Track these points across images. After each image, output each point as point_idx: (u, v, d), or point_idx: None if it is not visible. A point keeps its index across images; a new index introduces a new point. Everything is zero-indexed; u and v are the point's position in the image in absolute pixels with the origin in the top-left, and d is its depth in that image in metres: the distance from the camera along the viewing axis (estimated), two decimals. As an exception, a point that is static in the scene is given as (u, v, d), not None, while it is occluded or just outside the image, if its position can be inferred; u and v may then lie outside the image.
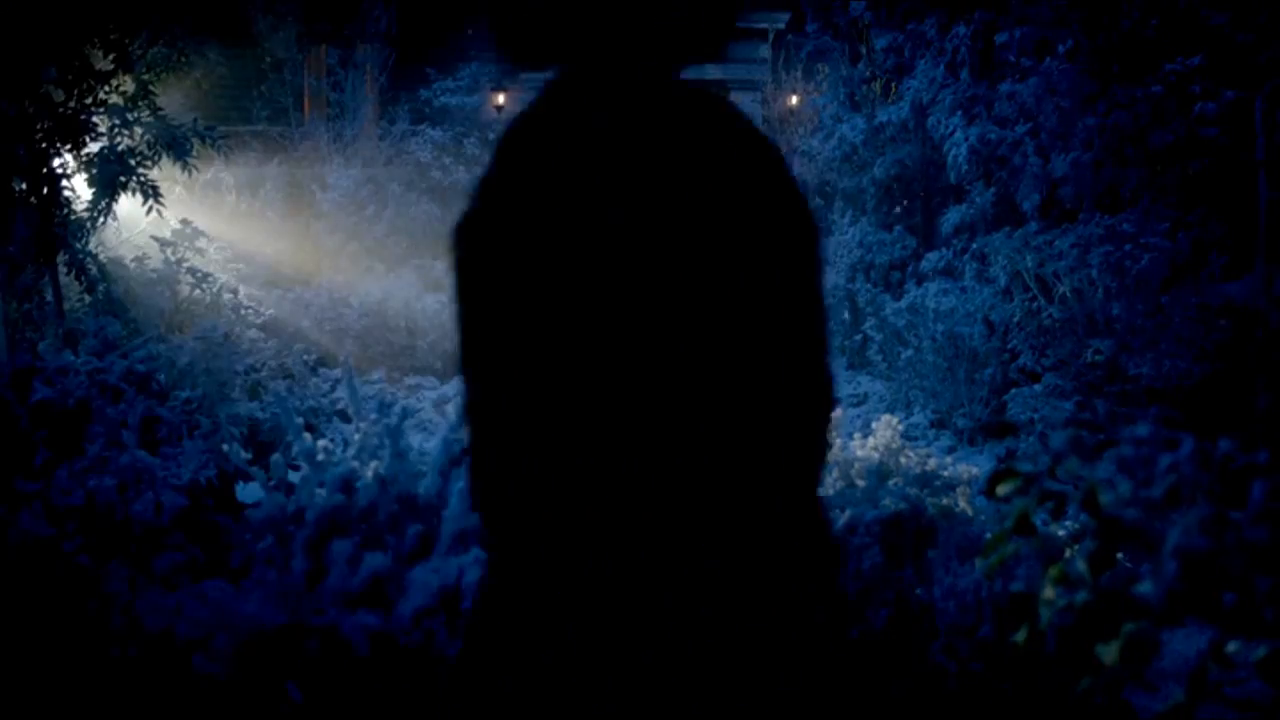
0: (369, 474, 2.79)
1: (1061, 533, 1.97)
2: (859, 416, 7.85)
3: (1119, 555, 1.16)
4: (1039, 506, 1.22)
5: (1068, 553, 1.22)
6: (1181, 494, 1.10)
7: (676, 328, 1.08)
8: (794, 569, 1.19)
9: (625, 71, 1.17)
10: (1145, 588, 0.98)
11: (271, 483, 3.00)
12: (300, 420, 2.91)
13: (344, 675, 2.52)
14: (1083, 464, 1.16)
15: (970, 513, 2.87)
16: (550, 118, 1.16)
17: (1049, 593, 1.22)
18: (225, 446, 3.06)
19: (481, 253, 1.14)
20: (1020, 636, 1.19)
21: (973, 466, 3.05)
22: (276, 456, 2.94)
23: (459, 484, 2.75)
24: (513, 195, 1.13)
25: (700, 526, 1.12)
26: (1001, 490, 1.19)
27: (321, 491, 2.77)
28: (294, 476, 3.08)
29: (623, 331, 1.08)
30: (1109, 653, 1.12)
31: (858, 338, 9.43)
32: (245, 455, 2.93)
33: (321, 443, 2.90)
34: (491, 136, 12.52)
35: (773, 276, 1.11)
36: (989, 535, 2.87)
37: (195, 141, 6.41)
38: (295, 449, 2.87)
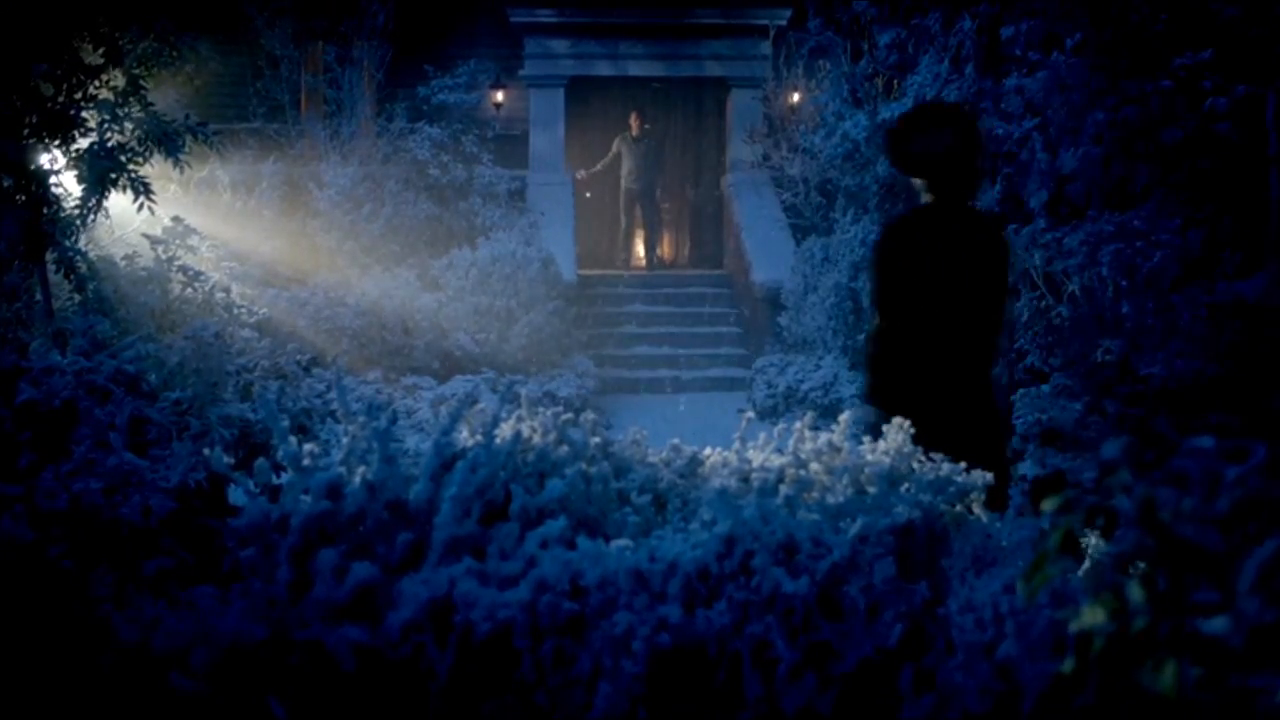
0: (357, 480, 2.67)
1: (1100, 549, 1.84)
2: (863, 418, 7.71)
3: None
4: (1086, 524, 1.10)
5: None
6: (1251, 510, 0.97)
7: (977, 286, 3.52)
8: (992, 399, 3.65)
9: (961, 203, 3.58)
10: (1219, 625, 0.85)
11: (256, 488, 2.88)
12: (286, 422, 2.80)
13: (329, 690, 2.41)
14: (1136, 477, 1.04)
15: (985, 519, 2.75)
16: (938, 214, 3.57)
17: (1094, 619, 1.09)
18: (206, 451, 2.94)
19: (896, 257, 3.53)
20: (1068, 666, 1.06)
21: (988, 471, 2.92)
22: (261, 461, 2.82)
23: (451, 490, 2.63)
24: (922, 237, 3.54)
25: (975, 378, 3.54)
26: (1046, 505, 1.07)
27: (307, 498, 2.65)
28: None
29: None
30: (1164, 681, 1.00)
31: (860, 337, 9.31)
32: (228, 460, 2.81)
33: (307, 446, 2.77)
34: (490, 135, 12.44)
35: (998, 277, 3.59)
36: (1005, 543, 2.75)
37: (188, 137, 6.30)
38: (280, 453, 2.75)
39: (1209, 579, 0.94)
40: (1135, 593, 1.01)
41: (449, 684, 2.33)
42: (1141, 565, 1.14)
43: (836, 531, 2.41)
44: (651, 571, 2.36)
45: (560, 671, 2.26)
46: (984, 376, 3.58)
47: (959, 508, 2.73)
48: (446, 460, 2.73)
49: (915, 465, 2.76)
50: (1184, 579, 0.96)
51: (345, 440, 2.83)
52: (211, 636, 2.28)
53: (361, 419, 2.79)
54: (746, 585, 2.31)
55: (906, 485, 2.69)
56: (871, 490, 2.59)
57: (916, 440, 2.73)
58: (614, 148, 14.08)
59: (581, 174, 14.08)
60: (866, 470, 2.69)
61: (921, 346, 3.49)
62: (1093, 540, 2.62)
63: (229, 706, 2.34)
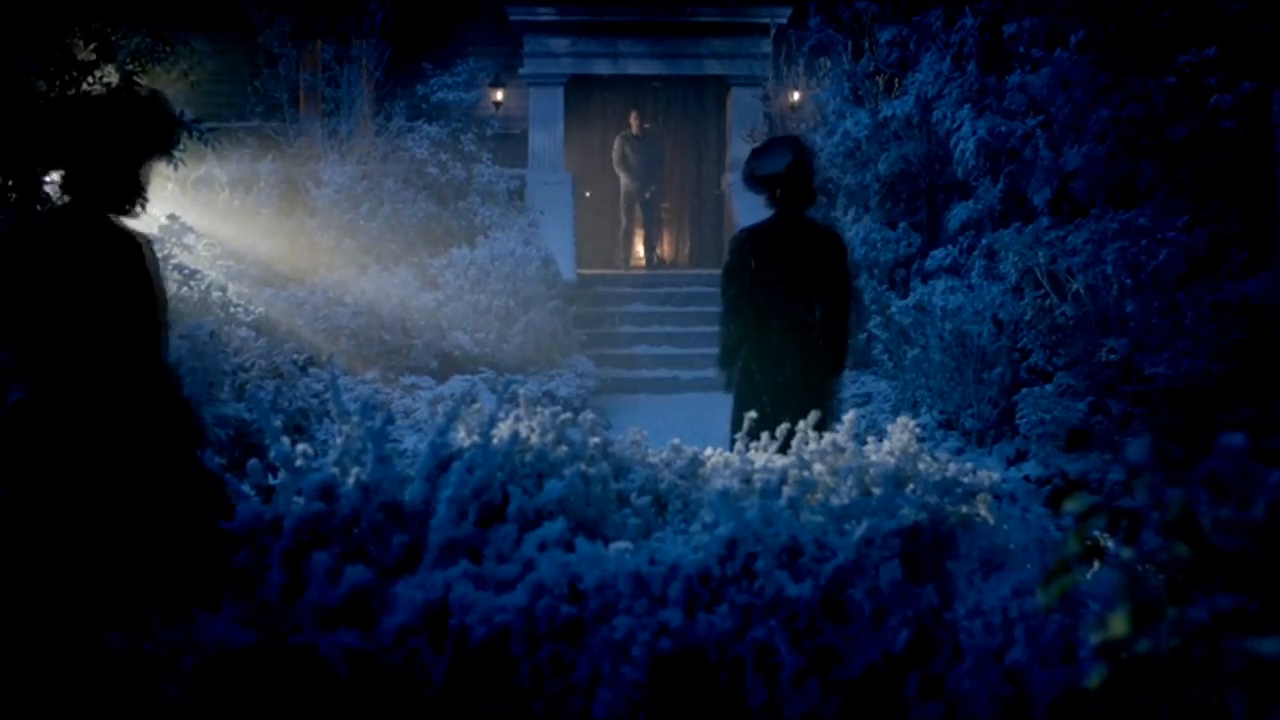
0: (351, 480, 2.62)
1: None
2: (864, 417, 7.62)
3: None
4: (1108, 529, 1.05)
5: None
6: (1288, 515, 0.92)
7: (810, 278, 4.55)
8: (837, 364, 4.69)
9: (797, 213, 4.59)
10: (1273, 646, 0.79)
11: (250, 489, 2.82)
12: (279, 422, 2.74)
13: (322, 696, 2.35)
14: (1165, 479, 0.99)
15: (992, 521, 2.69)
16: (776, 221, 4.59)
17: (1119, 630, 1.04)
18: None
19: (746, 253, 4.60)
20: (1093, 680, 1.00)
21: (993, 472, 2.87)
22: (254, 461, 2.76)
23: (447, 491, 2.57)
24: (761, 240, 4.59)
25: (812, 351, 4.51)
26: (1069, 508, 1.01)
27: (299, 499, 2.59)
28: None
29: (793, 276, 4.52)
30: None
31: (862, 337, 9.24)
32: (219, 460, 2.75)
33: (301, 446, 2.71)
34: (489, 133, 12.36)
35: (835, 268, 4.60)
36: (1012, 545, 2.69)
37: (183, 135, 6.23)
38: (273, 453, 2.69)
39: (1248, 588, 0.89)
40: (1167, 605, 0.95)
41: (444, 690, 2.28)
42: (1151, 569, 1.09)
43: (841, 534, 2.35)
44: (652, 574, 2.31)
45: (558, 677, 2.21)
46: (820, 339, 4.56)
47: (966, 509, 2.67)
48: (443, 461, 2.67)
49: (921, 466, 2.71)
50: (1220, 588, 0.90)
51: (339, 440, 2.77)
52: (198, 642, 2.23)
53: (356, 418, 2.73)
54: (749, 588, 2.25)
55: (912, 486, 2.63)
56: (876, 492, 2.53)
57: (754, 397, 4.38)
58: (615, 146, 14.03)
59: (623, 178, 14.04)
60: (871, 471, 2.63)
61: (763, 321, 4.50)
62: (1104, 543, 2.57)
63: (218, 713, 2.29)
